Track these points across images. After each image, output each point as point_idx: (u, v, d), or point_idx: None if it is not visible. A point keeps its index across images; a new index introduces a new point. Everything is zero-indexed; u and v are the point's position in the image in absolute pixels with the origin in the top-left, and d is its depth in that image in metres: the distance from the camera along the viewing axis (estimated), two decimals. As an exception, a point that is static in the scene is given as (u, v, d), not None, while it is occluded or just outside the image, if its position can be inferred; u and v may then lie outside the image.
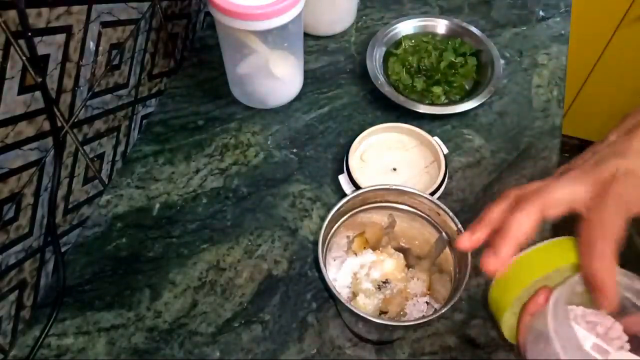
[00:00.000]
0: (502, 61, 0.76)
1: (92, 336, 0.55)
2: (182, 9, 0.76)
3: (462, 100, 0.73)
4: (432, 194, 0.61)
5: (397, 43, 0.79)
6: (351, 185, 0.62)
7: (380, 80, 0.73)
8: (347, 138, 0.70)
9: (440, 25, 0.81)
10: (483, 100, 0.71)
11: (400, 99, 0.71)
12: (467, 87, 0.76)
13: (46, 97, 0.50)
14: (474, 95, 0.72)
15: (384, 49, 0.77)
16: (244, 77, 0.72)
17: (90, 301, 0.57)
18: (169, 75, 0.76)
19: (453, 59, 0.76)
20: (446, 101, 0.74)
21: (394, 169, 0.65)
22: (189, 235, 0.62)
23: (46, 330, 0.54)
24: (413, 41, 0.79)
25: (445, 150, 0.65)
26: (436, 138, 0.66)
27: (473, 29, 0.79)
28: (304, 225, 0.63)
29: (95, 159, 0.62)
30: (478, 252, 0.62)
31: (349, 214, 0.54)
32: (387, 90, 0.72)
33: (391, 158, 0.66)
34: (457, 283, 0.49)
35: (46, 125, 0.52)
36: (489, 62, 0.76)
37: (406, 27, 0.80)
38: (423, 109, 0.70)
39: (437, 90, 0.74)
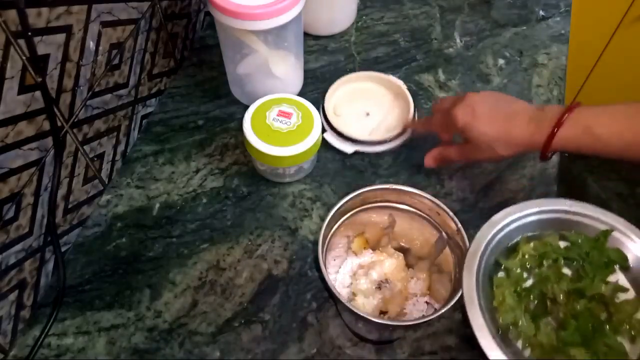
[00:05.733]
0: None
1: (92, 336, 0.55)
2: (182, 9, 0.76)
3: None
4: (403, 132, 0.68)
5: (512, 248, 0.49)
6: (337, 136, 0.67)
7: (479, 318, 0.42)
8: (347, 138, 0.70)
9: (591, 222, 0.49)
10: None
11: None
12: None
13: (46, 96, 0.50)
14: None
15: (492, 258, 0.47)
16: (244, 77, 0.72)
17: (90, 301, 0.57)
18: (169, 75, 0.76)
19: (603, 292, 0.45)
20: None
21: (367, 114, 0.72)
22: (189, 235, 0.62)
23: (46, 330, 0.54)
24: (533, 245, 0.48)
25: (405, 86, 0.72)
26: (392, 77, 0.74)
27: None
28: (304, 225, 0.63)
29: (95, 159, 0.62)
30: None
31: (349, 214, 0.54)
32: (486, 342, 0.41)
33: (362, 105, 0.73)
34: (457, 283, 0.49)
35: (46, 125, 0.52)
36: None
37: (528, 220, 0.49)
38: None
39: (578, 355, 0.43)
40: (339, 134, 0.67)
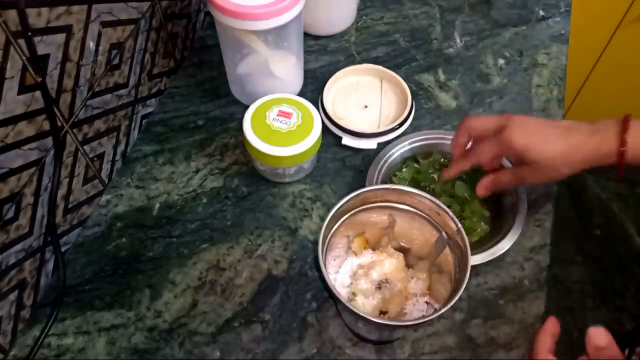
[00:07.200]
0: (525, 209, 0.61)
1: (92, 336, 0.55)
2: (182, 9, 0.76)
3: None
4: (406, 118, 0.69)
5: (429, 154, 0.68)
6: (354, 137, 0.67)
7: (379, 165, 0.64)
8: (347, 138, 0.70)
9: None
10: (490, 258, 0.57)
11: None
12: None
13: (46, 96, 0.50)
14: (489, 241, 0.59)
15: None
16: (244, 77, 0.72)
17: (90, 301, 0.57)
18: (169, 75, 0.76)
19: (465, 195, 0.63)
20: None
21: (366, 107, 0.72)
22: (189, 235, 0.62)
23: (46, 330, 0.54)
24: (441, 156, 0.67)
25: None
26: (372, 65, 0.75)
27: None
28: (304, 225, 0.63)
29: (95, 159, 0.62)
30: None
31: (349, 214, 0.54)
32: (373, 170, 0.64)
33: (359, 98, 0.74)
34: (457, 283, 0.49)
35: (46, 125, 0.52)
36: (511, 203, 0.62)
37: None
38: None
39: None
40: (354, 134, 0.68)
